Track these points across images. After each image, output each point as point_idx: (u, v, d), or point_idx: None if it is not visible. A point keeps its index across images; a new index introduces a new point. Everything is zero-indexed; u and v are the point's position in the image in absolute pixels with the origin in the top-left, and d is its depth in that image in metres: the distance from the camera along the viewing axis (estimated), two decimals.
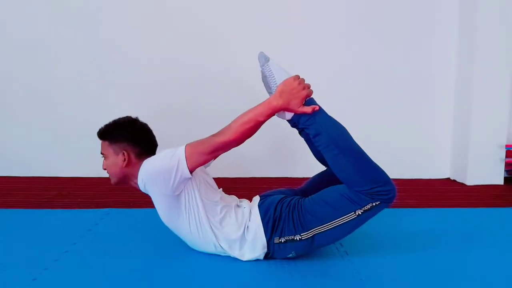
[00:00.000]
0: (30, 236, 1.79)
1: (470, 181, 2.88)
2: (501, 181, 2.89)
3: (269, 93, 1.57)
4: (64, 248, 1.64)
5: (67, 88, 2.97)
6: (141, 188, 1.49)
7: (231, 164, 2.89)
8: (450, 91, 3.03)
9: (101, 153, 1.58)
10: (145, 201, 2.31)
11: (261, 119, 1.43)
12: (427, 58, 3.00)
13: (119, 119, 1.59)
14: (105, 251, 1.63)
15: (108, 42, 2.94)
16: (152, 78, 2.96)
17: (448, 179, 3.07)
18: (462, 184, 2.91)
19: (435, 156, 3.09)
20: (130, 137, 1.55)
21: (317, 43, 2.95)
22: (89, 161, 2.91)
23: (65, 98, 2.97)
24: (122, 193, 2.52)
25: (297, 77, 1.47)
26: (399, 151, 2.99)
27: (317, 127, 1.46)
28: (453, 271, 1.48)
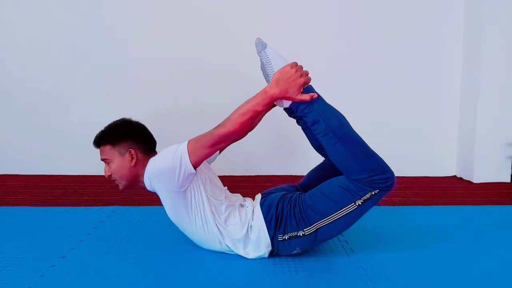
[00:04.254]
0: (37, 234, 1.80)
1: (476, 178, 2.86)
2: (507, 179, 2.87)
3: (267, 81, 1.56)
4: (71, 245, 1.65)
5: (74, 87, 2.98)
6: (147, 186, 1.49)
7: (236, 162, 2.90)
8: (456, 88, 3.01)
9: (102, 160, 1.57)
10: (151, 198, 2.33)
11: (259, 109, 1.42)
12: (432, 55, 2.98)
13: (114, 122, 1.59)
14: (112, 248, 1.64)
15: (114, 41, 2.94)
16: (158, 75, 2.96)
17: (455, 176, 3.05)
18: (469, 182, 2.89)
19: (442, 153, 3.07)
20: (132, 135, 1.55)
21: (318, 43, 2.94)
22: (94, 159, 2.93)
23: (71, 97, 2.98)
24: (128, 191, 2.51)
25: (295, 64, 1.45)
26: (405, 149, 2.97)
27: (315, 115, 1.45)
28: (460, 268, 1.48)
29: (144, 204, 2.25)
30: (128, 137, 1.55)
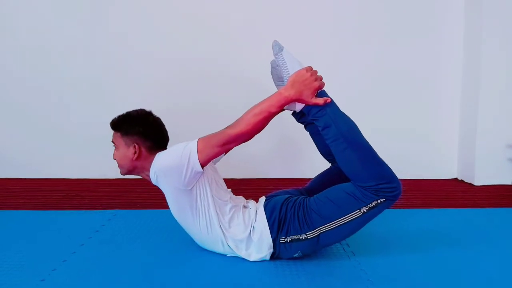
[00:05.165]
0: (38, 237, 1.80)
1: (477, 181, 2.85)
2: (509, 181, 2.86)
3: (277, 85, 1.57)
4: (72, 249, 1.65)
5: (74, 90, 2.98)
6: (153, 181, 1.50)
7: (237, 165, 2.89)
8: (456, 90, 3.01)
9: (112, 142, 1.59)
10: (152, 202, 2.34)
11: (273, 110, 1.43)
12: (433, 57, 2.98)
13: (133, 111, 1.59)
14: (112, 252, 1.64)
15: (117, 42, 2.94)
16: (162, 78, 2.95)
17: (456, 179, 3.05)
18: (470, 184, 2.88)
19: (443, 156, 3.06)
20: (142, 130, 1.55)
21: (317, 44, 2.94)
22: (95, 162, 2.95)
23: (72, 100, 2.98)
24: (128, 194, 2.53)
25: (310, 68, 1.47)
26: (406, 151, 2.97)
27: (327, 119, 1.46)
28: (461, 271, 1.47)
29: (145, 208, 2.25)
30: (137, 131, 1.55)
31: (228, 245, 1.50)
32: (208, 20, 2.93)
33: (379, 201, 1.43)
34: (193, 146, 1.41)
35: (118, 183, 2.78)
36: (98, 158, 2.88)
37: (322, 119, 1.47)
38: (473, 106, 2.88)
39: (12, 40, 2.94)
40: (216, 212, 1.48)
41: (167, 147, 1.60)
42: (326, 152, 1.64)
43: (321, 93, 1.49)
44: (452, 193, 2.65)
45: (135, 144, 1.53)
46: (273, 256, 1.52)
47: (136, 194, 2.53)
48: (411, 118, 3.03)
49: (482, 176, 2.85)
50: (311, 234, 1.45)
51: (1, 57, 2.96)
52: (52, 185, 2.80)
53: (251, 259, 1.51)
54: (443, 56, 2.99)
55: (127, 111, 1.59)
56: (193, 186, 1.45)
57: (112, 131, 1.60)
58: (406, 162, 2.89)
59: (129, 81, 2.97)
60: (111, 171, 2.83)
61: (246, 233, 1.49)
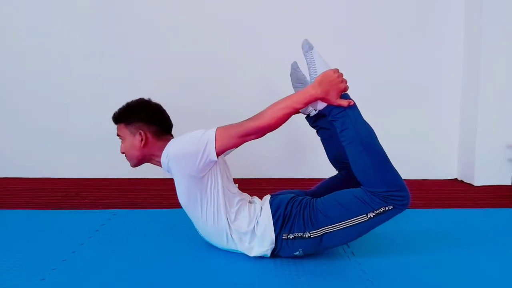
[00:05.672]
0: (38, 237, 1.80)
1: (477, 181, 2.86)
2: (508, 182, 2.87)
3: (295, 87, 1.58)
4: (72, 248, 1.65)
5: (74, 89, 2.98)
6: (164, 166, 1.50)
7: (237, 164, 2.88)
8: (456, 91, 3.01)
9: (118, 135, 1.60)
10: (152, 202, 2.34)
11: (298, 106, 1.44)
12: (432, 56, 2.99)
13: (132, 101, 1.61)
14: (112, 251, 1.64)
15: (116, 42, 2.95)
16: (162, 78, 2.96)
17: (456, 179, 3.05)
18: (470, 185, 2.89)
19: (443, 156, 3.07)
20: (144, 116, 1.56)
21: (317, 45, 2.93)
22: (96, 162, 2.95)
23: (72, 99, 2.98)
24: (129, 194, 2.53)
25: (337, 70, 1.49)
26: (406, 151, 2.96)
27: (346, 121, 1.47)
28: (461, 271, 1.48)
29: (145, 208, 2.25)
30: (140, 118, 1.56)
31: (232, 238, 1.51)
32: (208, 20, 2.93)
33: (386, 208, 1.43)
34: (211, 134, 1.42)
35: (118, 182, 2.77)
36: (99, 158, 2.88)
37: (342, 120, 1.48)
38: (473, 106, 2.88)
39: (12, 40, 2.94)
40: (225, 203, 1.48)
41: (172, 132, 1.61)
42: (335, 159, 1.66)
43: (344, 95, 1.50)
44: (452, 193, 2.65)
45: (140, 131, 1.54)
46: (274, 253, 1.52)
47: (136, 194, 2.53)
48: (411, 118, 3.03)
49: (482, 176, 2.85)
50: (314, 233, 1.46)
51: (1, 57, 2.96)
52: (53, 184, 2.81)
53: (252, 254, 1.51)
54: (443, 56, 2.99)
55: (126, 103, 1.60)
56: (205, 175, 1.45)
57: (115, 126, 1.60)
58: (406, 162, 2.86)
59: (129, 81, 2.97)
60: (112, 170, 2.87)
61: (251, 226, 1.49)
